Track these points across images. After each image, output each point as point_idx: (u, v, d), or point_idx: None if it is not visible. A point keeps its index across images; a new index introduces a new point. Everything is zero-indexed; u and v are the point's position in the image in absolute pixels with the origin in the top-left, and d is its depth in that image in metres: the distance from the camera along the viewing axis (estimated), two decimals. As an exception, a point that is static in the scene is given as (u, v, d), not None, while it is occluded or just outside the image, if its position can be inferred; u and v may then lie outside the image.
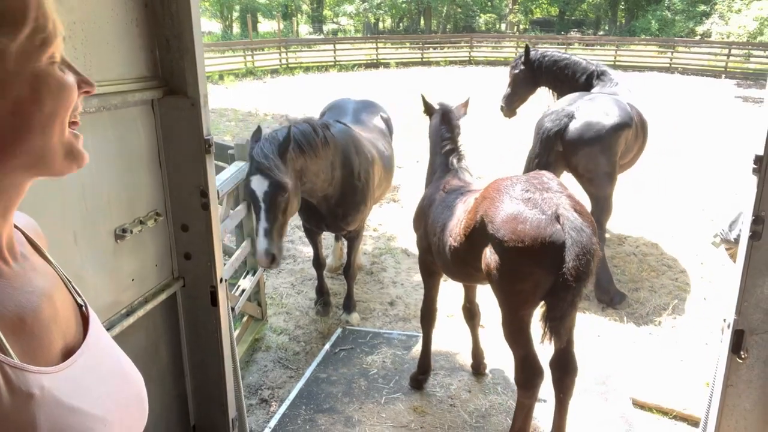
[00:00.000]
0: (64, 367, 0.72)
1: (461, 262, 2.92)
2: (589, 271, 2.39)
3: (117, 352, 0.87)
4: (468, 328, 3.75)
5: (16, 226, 0.77)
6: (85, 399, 0.72)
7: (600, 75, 5.50)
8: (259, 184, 3.49)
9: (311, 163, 3.73)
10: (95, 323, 0.84)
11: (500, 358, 3.88)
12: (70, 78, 0.71)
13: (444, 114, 3.47)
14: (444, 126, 3.45)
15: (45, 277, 0.78)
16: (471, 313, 3.69)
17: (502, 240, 2.52)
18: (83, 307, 0.85)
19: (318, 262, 4.81)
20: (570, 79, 5.61)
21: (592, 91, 5.33)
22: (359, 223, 4.46)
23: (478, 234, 2.71)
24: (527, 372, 2.68)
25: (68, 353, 0.75)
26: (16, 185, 0.71)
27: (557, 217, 2.45)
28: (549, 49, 6.14)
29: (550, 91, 6.04)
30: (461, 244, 2.85)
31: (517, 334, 2.67)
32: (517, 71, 6.06)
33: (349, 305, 4.67)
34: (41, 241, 0.85)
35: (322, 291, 4.84)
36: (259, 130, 3.70)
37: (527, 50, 5.93)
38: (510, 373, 3.77)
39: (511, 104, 6.33)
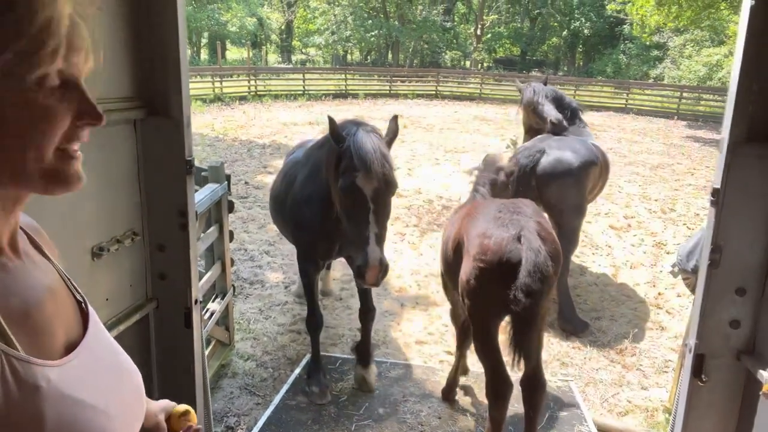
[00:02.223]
0: (68, 360, 0.73)
1: (455, 274, 3.08)
2: (541, 290, 2.54)
3: (116, 348, 0.89)
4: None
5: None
6: (88, 392, 0.73)
7: (577, 113, 5.73)
8: (366, 181, 2.93)
9: None
10: (94, 319, 0.86)
11: (471, 385, 3.92)
12: (62, 107, 0.67)
13: (487, 162, 3.79)
14: (483, 172, 3.72)
15: (46, 273, 0.80)
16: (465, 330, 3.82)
17: (472, 254, 2.72)
18: (83, 304, 0.86)
19: (315, 322, 3.80)
20: (564, 112, 5.68)
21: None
22: None
23: (459, 248, 2.94)
24: (496, 383, 2.78)
25: (70, 348, 0.77)
26: (10, 196, 0.71)
27: (519, 238, 2.63)
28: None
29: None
30: (451, 256, 3.07)
31: (485, 346, 2.81)
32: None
33: (366, 355, 3.86)
34: (43, 240, 0.87)
35: (318, 369, 3.82)
36: (333, 121, 3.14)
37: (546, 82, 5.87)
38: (479, 399, 3.81)
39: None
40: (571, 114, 5.69)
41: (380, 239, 2.97)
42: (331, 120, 3.10)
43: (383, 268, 2.96)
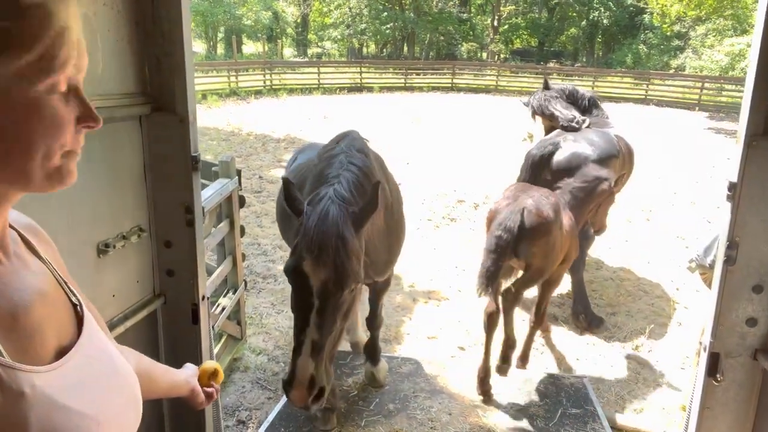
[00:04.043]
0: (57, 366, 0.72)
1: None
2: (500, 237, 3.50)
3: (112, 353, 0.87)
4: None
5: (11, 226, 0.78)
6: (77, 398, 0.72)
7: (595, 103, 5.60)
8: (313, 271, 2.32)
9: (373, 221, 2.61)
10: (90, 323, 0.84)
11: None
12: (67, 111, 0.71)
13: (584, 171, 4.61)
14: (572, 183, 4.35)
15: (38, 276, 0.78)
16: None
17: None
18: (78, 307, 0.84)
19: None
20: (575, 106, 5.55)
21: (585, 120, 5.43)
22: (392, 268, 3.52)
23: None
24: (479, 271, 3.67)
25: (62, 353, 0.75)
26: (1, 194, 0.71)
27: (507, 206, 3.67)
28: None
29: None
30: None
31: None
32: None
33: (374, 354, 3.87)
34: (40, 241, 0.85)
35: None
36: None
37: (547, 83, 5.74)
38: (490, 396, 3.78)
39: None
40: (588, 105, 5.57)
41: (319, 349, 2.28)
42: (285, 181, 2.52)
43: (316, 390, 2.27)
